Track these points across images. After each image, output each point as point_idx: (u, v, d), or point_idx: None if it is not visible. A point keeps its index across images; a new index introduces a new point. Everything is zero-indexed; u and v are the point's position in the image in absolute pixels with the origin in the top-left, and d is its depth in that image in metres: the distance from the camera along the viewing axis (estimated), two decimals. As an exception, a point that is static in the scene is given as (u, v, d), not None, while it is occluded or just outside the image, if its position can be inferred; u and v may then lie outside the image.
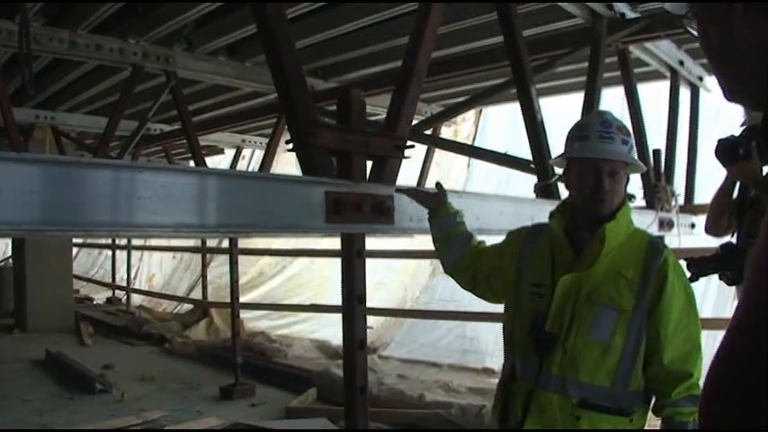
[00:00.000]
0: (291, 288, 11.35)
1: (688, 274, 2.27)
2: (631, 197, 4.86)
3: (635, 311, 2.12)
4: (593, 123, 2.26)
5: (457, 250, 2.62)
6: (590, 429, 2.11)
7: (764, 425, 0.67)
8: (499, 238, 2.61)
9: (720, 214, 3.49)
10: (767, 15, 0.89)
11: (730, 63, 0.96)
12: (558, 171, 2.73)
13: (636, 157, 2.30)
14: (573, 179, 2.28)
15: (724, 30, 0.94)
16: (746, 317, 0.76)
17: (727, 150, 2.91)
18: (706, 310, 6.35)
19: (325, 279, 10.33)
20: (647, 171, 5.48)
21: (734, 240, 3.12)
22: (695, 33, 1.03)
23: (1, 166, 1.81)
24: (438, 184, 2.83)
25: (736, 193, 3.30)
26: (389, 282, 9.74)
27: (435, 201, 2.75)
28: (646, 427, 2.26)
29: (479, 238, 2.72)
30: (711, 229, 3.62)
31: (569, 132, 2.35)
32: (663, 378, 2.13)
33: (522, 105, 4.38)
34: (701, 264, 2.78)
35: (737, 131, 3.02)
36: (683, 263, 2.39)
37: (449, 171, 9.68)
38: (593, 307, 2.13)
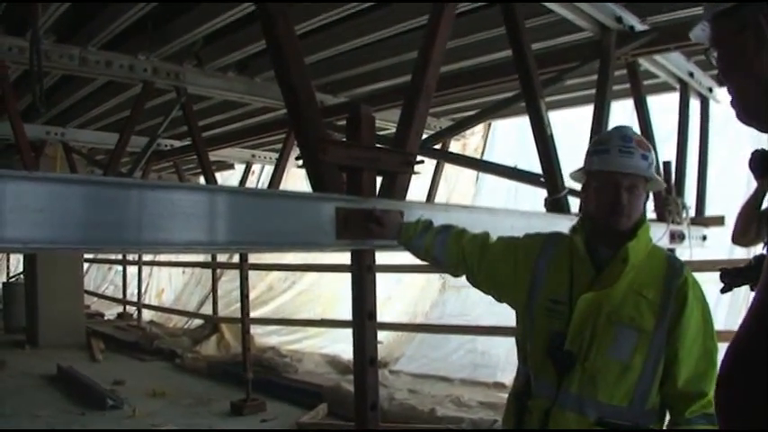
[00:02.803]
0: (301, 303, 11.32)
1: (720, 286, 2.24)
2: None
3: (655, 332, 2.11)
4: (613, 137, 2.25)
5: (442, 260, 2.59)
6: None
7: None
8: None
9: (749, 223, 3.47)
10: None
11: (744, 82, 0.97)
12: (576, 185, 2.68)
13: (655, 174, 2.28)
14: (592, 193, 2.26)
15: (737, 49, 0.94)
16: None
17: (760, 162, 2.87)
18: (718, 322, 6.29)
19: (334, 294, 10.31)
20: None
21: (764, 251, 3.07)
22: (715, 63, 1.04)
23: (12, 185, 1.81)
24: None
25: (766, 204, 3.30)
26: (399, 296, 9.71)
27: (392, 228, 2.72)
28: None
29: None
30: (739, 239, 3.60)
31: (589, 147, 2.34)
32: (677, 397, 2.12)
33: (531, 119, 4.36)
34: (735, 275, 2.73)
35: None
36: (715, 275, 2.35)
37: (456, 185, 9.68)
38: (613, 327, 2.11)
